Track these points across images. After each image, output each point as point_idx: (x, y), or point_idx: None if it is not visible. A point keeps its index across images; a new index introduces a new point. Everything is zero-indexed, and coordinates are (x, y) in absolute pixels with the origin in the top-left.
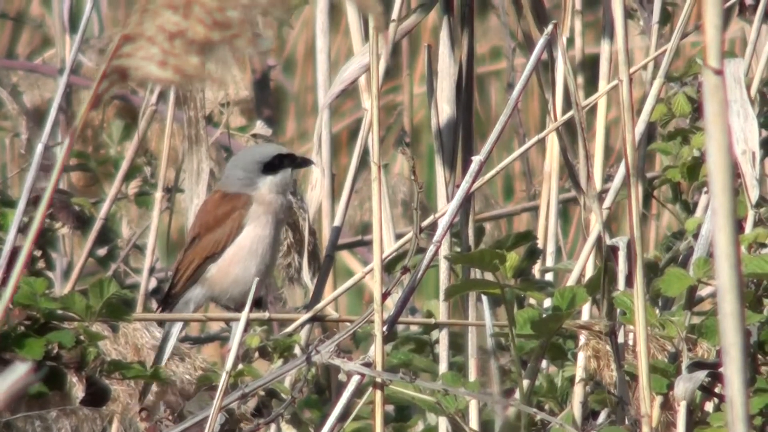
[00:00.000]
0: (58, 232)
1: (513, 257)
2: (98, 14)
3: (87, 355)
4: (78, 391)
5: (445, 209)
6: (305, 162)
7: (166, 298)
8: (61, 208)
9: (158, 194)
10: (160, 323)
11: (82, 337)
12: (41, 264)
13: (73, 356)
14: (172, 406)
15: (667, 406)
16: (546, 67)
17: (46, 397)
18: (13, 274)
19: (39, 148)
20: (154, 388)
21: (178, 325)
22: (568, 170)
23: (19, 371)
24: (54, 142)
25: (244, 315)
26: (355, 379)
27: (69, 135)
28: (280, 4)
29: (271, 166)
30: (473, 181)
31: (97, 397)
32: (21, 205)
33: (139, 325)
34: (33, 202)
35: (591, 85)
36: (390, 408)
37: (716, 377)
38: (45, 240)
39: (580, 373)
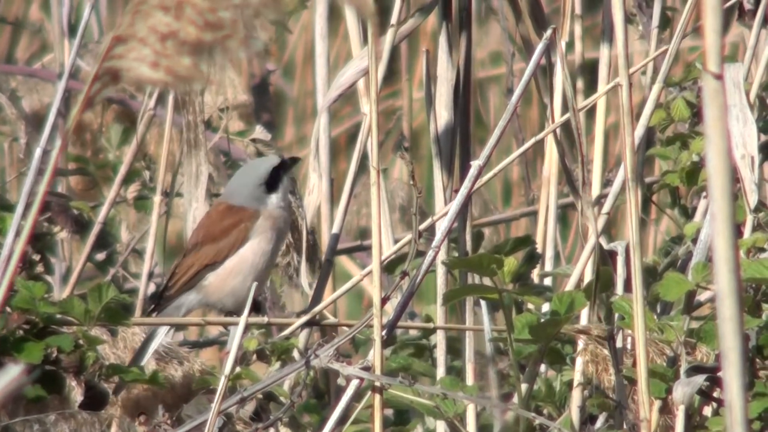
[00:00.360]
0: (57, 236)
1: (511, 262)
2: (98, 18)
3: (86, 359)
4: (77, 395)
5: (444, 213)
6: (293, 161)
7: (159, 299)
8: (59, 212)
9: (157, 198)
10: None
11: (81, 341)
12: (40, 268)
13: (72, 360)
14: (170, 410)
15: (666, 410)
16: (545, 71)
17: (44, 401)
18: (7, 274)
19: (37, 152)
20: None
21: (164, 327)
22: (566, 176)
23: (13, 372)
24: (52, 147)
25: (242, 319)
26: (354, 383)
27: (62, 136)
28: (272, 4)
29: (272, 182)
30: (472, 186)
31: (95, 400)
32: (19, 209)
33: (137, 330)
34: (31, 206)
35: (590, 90)
36: (389, 412)
37: (715, 381)
38: (43, 244)
39: (578, 378)
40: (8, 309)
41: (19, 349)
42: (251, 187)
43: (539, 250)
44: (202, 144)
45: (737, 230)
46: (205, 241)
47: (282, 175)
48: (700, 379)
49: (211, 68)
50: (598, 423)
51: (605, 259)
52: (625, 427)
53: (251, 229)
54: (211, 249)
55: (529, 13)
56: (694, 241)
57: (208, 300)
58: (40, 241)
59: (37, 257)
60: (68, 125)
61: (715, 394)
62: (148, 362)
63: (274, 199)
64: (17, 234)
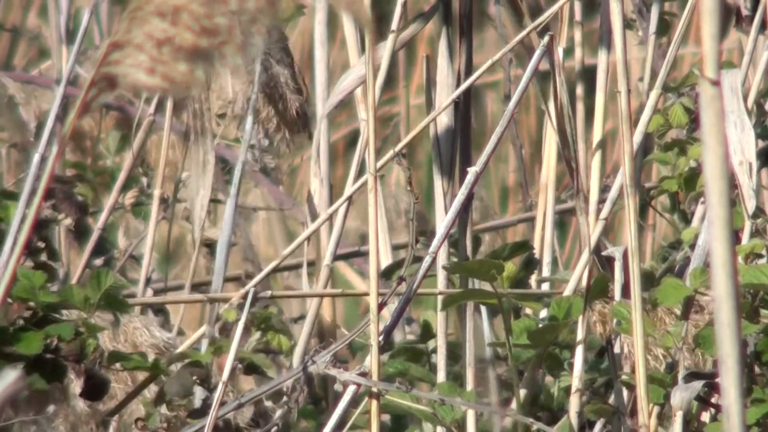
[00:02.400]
0: (62, 223)
1: (510, 267)
2: (99, 25)
3: (86, 347)
4: (76, 386)
5: (442, 220)
6: None
7: None
8: (63, 199)
9: (155, 205)
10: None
11: (81, 329)
12: (44, 257)
13: (72, 348)
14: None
15: (665, 416)
16: (544, 77)
17: (45, 392)
18: (11, 261)
19: (35, 158)
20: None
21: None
22: (570, 176)
23: (9, 378)
24: (51, 153)
25: (241, 323)
26: (351, 388)
27: (59, 142)
28: (268, 10)
29: None
30: (469, 192)
31: (95, 389)
32: (21, 204)
33: (138, 324)
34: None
35: (590, 96)
36: (386, 418)
37: (713, 387)
38: (48, 232)
39: (576, 384)
40: (8, 299)
41: (18, 339)
42: None
43: (537, 255)
44: (208, 131)
45: (735, 236)
46: None
47: None
48: (698, 385)
49: (208, 74)
50: (596, 429)
51: (603, 265)
52: None
53: None
54: None
55: (530, 17)
56: (692, 246)
57: None
58: (45, 228)
59: (41, 245)
60: (65, 131)
61: (713, 400)
62: (149, 352)
63: None
64: (21, 221)
